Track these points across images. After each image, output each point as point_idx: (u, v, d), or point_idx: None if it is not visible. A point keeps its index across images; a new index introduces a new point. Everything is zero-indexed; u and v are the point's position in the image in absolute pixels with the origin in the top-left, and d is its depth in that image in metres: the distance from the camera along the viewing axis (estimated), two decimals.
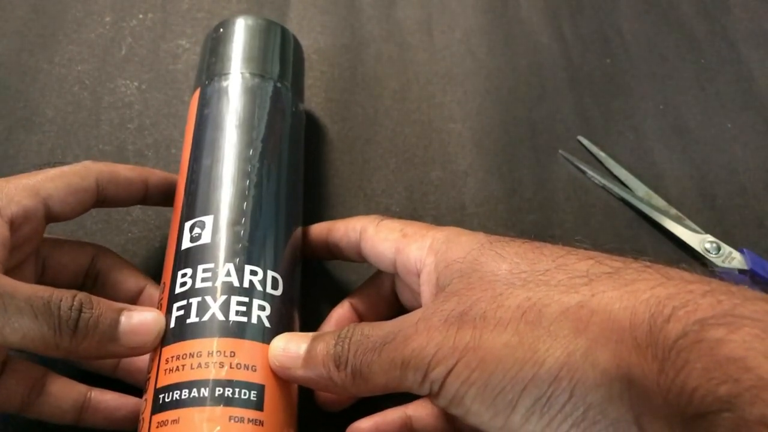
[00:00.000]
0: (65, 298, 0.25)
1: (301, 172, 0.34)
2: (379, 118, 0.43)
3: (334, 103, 0.43)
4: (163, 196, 0.33)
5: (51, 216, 0.29)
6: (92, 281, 0.32)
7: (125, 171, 0.31)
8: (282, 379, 0.26)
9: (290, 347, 0.26)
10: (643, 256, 0.23)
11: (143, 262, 0.36)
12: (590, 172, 0.41)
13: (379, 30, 0.47)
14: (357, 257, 0.31)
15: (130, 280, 0.32)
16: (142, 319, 0.26)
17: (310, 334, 0.27)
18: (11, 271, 0.27)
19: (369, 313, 0.32)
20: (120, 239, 0.36)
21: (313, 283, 0.36)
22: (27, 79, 0.43)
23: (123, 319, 0.26)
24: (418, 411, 0.29)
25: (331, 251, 0.33)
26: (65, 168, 0.30)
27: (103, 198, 0.31)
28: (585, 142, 0.43)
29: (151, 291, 0.31)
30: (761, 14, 0.50)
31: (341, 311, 0.32)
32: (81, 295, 0.25)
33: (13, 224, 0.27)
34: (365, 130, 0.42)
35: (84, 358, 0.27)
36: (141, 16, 0.46)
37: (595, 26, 0.49)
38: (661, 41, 0.48)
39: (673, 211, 0.40)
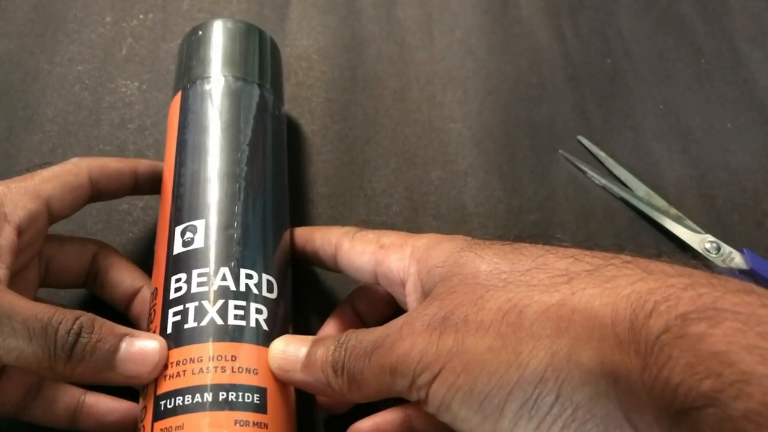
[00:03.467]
0: (65, 320, 0.24)
1: (285, 175, 0.34)
2: (379, 118, 0.43)
3: (334, 103, 0.43)
4: (153, 183, 0.33)
5: (52, 217, 0.29)
6: (92, 280, 0.32)
7: (114, 163, 0.31)
8: (282, 381, 0.26)
9: (289, 350, 0.26)
10: (624, 251, 0.23)
11: (143, 262, 0.35)
12: (590, 172, 0.41)
13: (379, 30, 0.47)
14: (336, 269, 0.31)
15: (128, 280, 0.32)
16: (142, 347, 0.26)
17: (310, 337, 0.27)
18: (17, 275, 0.28)
19: (369, 312, 0.32)
20: (120, 239, 0.36)
21: (312, 285, 0.36)
22: (27, 79, 0.43)
23: (123, 345, 0.25)
24: (419, 410, 0.29)
25: (311, 260, 0.33)
26: (56, 168, 0.29)
27: (96, 192, 0.31)
28: (585, 142, 0.43)
29: (148, 291, 0.31)
30: (761, 14, 0.50)
31: (342, 312, 0.32)
32: (84, 318, 0.25)
33: (20, 229, 0.27)
34: (365, 130, 0.42)
35: (80, 382, 0.26)
36: (141, 16, 0.47)
37: (595, 26, 0.49)
38: (661, 41, 0.48)
39: (673, 211, 0.40)
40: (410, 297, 0.27)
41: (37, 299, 0.30)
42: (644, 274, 0.20)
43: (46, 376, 0.25)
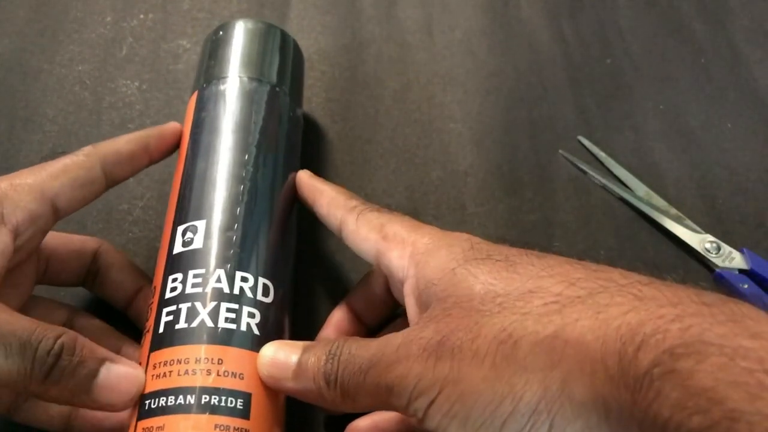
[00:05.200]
0: (46, 339, 0.23)
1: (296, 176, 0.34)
2: (379, 118, 0.43)
3: (334, 103, 0.44)
4: (168, 149, 0.32)
5: (59, 214, 0.28)
6: (92, 278, 0.32)
7: (126, 146, 0.31)
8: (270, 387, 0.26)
9: (279, 356, 0.26)
10: (619, 269, 0.23)
11: (143, 262, 0.36)
12: (590, 172, 0.41)
13: (379, 30, 0.47)
14: (340, 239, 0.31)
15: (128, 280, 0.32)
16: (122, 375, 0.25)
17: (301, 343, 0.26)
18: (12, 271, 0.27)
19: (366, 313, 0.32)
20: (120, 239, 0.37)
21: (312, 284, 0.36)
22: (28, 79, 0.43)
23: (103, 370, 0.24)
24: None
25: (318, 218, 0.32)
26: (68, 161, 0.28)
27: (111, 182, 0.30)
28: (585, 142, 0.43)
29: (148, 291, 0.31)
30: (761, 14, 0.50)
31: (340, 314, 0.32)
32: (65, 338, 0.24)
33: (17, 231, 0.26)
34: (365, 130, 0.42)
35: (51, 402, 0.25)
36: (142, 16, 0.47)
37: (595, 26, 0.49)
38: (661, 41, 0.48)
39: (673, 211, 0.40)
40: (408, 297, 0.27)
41: (32, 297, 0.30)
42: (636, 303, 0.20)
43: (17, 391, 0.25)
